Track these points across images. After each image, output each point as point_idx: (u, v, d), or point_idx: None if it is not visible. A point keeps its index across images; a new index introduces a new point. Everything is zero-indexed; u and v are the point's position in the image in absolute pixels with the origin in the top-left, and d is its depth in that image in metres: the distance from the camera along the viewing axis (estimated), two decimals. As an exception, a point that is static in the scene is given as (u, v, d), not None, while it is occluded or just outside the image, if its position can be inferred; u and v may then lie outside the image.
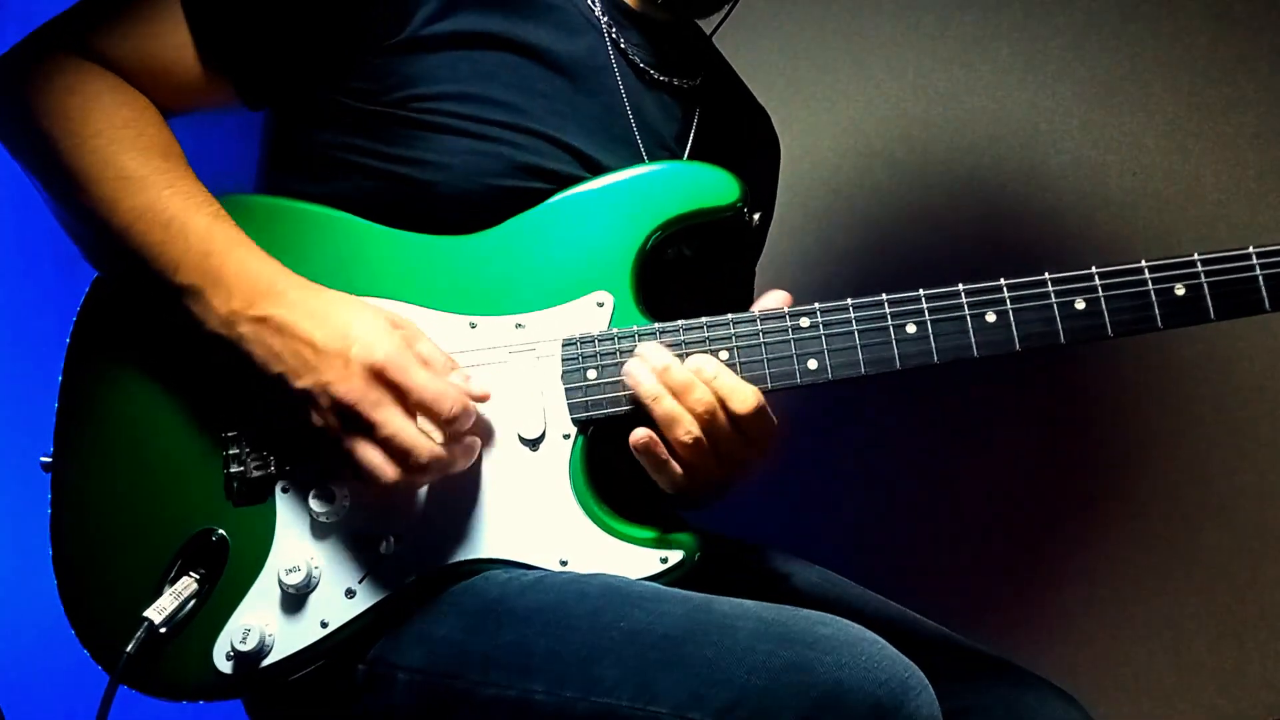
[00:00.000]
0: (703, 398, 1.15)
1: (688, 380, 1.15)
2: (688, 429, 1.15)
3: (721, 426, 1.16)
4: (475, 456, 1.18)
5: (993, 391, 2.16)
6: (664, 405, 1.15)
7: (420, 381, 1.11)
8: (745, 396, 1.16)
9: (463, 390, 1.14)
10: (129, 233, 1.15)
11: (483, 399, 1.17)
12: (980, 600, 2.15)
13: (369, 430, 1.10)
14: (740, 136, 1.55)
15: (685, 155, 1.43)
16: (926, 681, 1.01)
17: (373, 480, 1.11)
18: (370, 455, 1.10)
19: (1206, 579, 2.08)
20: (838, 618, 1.06)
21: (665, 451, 1.17)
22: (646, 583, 1.15)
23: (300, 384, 1.11)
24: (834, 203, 2.21)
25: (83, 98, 1.18)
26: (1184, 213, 2.07)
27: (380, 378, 1.10)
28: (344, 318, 1.13)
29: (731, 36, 1.66)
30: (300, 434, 1.13)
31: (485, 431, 1.20)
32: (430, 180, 1.24)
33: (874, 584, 1.48)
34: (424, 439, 1.11)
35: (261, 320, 1.12)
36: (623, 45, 1.38)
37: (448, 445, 1.13)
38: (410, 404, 1.11)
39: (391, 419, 1.10)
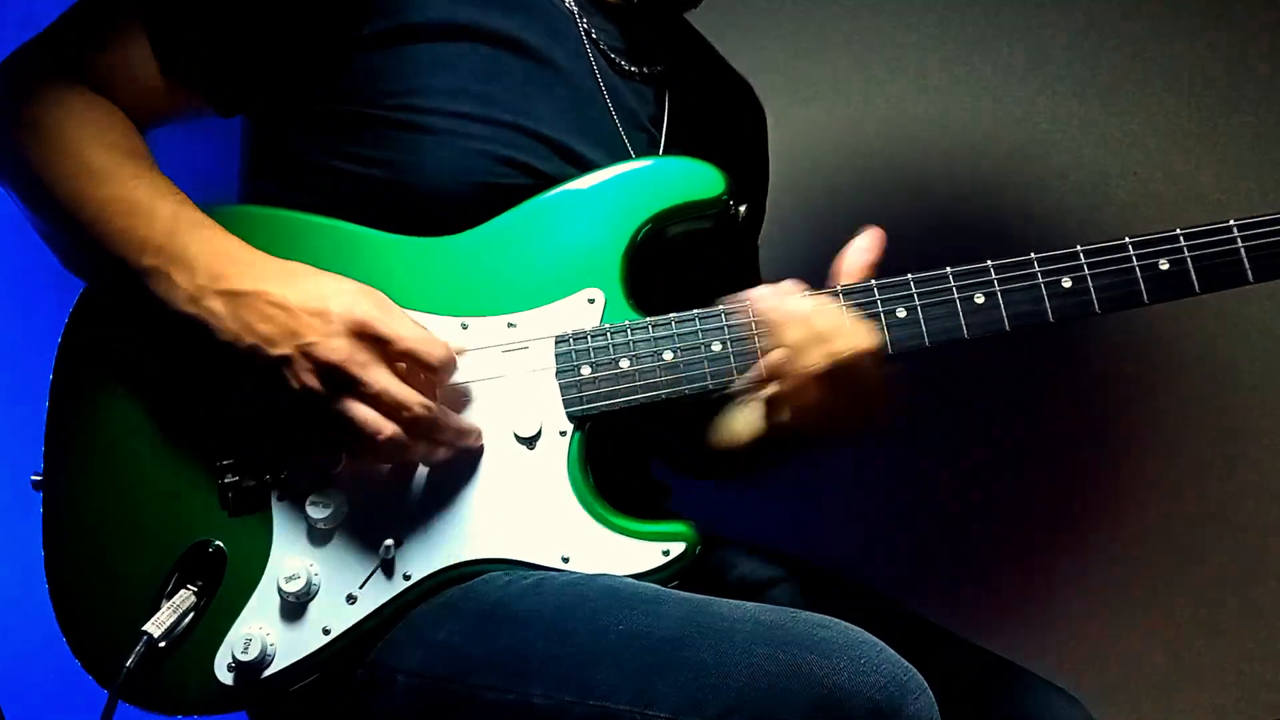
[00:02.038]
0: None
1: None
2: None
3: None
4: (474, 440, 1.18)
5: (994, 392, 2.16)
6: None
7: (404, 330, 1.10)
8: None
9: (447, 345, 1.14)
10: (96, 223, 1.15)
11: (459, 351, 1.17)
12: (981, 600, 2.15)
13: (356, 388, 1.09)
14: (719, 113, 1.55)
15: (663, 137, 1.43)
16: (925, 684, 1.01)
17: (369, 438, 1.10)
18: (363, 412, 1.09)
19: (1206, 579, 2.08)
20: (837, 620, 1.05)
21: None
22: (646, 584, 1.14)
23: (278, 350, 1.09)
24: (834, 202, 2.21)
25: (54, 107, 1.19)
26: (1184, 213, 2.07)
27: (363, 333, 1.09)
28: (315, 280, 1.13)
29: (731, 36, 1.66)
30: (285, 409, 1.12)
31: (481, 431, 1.20)
32: (406, 181, 1.24)
33: (876, 584, 1.48)
34: (414, 394, 1.10)
35: (229, 293, 1.11)
36: (594, 35, 1.39)
37: (437, 406, 1.13)
38: (395, 354, 1.10)
39: (379, 375, 1.09)
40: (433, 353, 1.11)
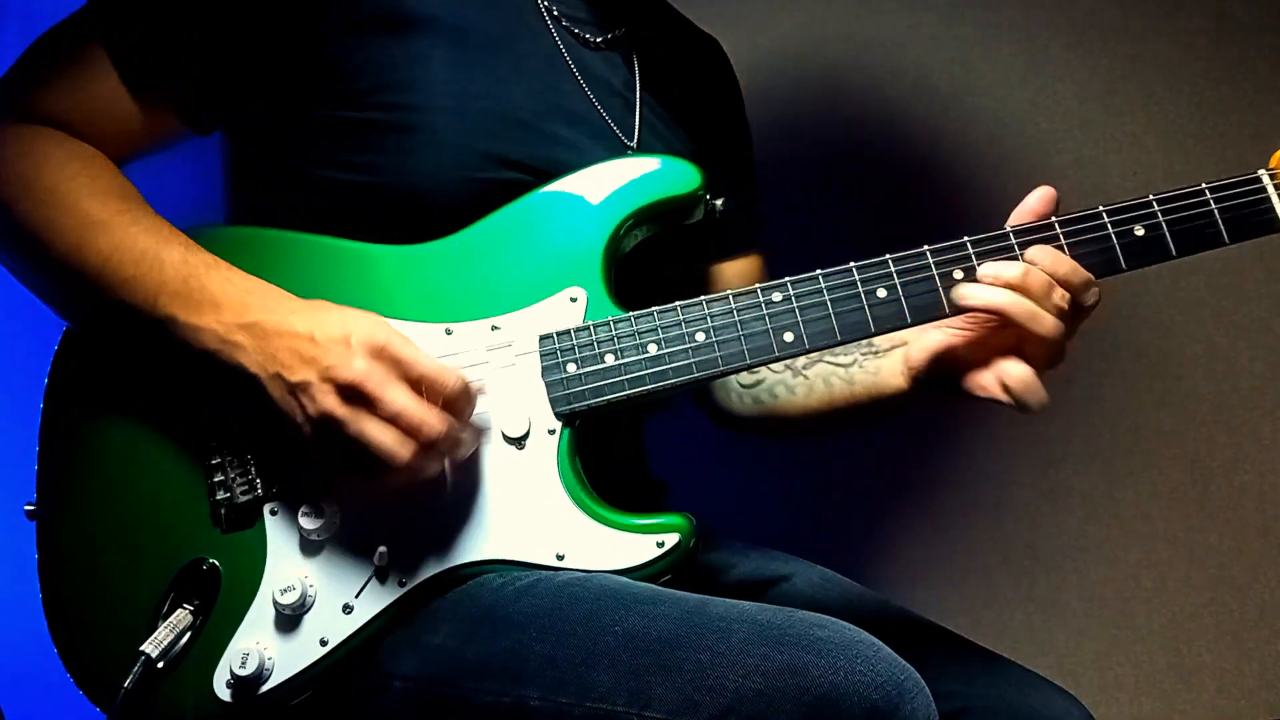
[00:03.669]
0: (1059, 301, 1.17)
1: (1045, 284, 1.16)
2: (1053, 320, 1.16)
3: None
4: (479, 442, 1.18)
5: (993, 391, 2.16)
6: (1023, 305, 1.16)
7: (423, 357, 1.11)
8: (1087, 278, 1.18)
9: (464, 376, 1.13)
10: (101, 275, 1.15)
11: (478, 392, 1.16)
12: (980, 599, 2.15)
13: (374, 408, 1.08)
14: (689, 68, 1.56)
15: (637, 100, 1.43)
16: (923, 684, 1.01)
17: (386, 461, 1.09)
18: (381, 435, 1.08)
19: (1206, 579, 2.08)
20: (835, 619, 1.05)
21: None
22: (643, 585, 1.14)
23: (299, 376, 1.10)
24: (834, 203, 2.21)
25: (33, 159, 1.18)
26: (1184, 213, 2.07)
27: (383, 355, 1.10)
28: (338, 313, 1.13)
29: (731, 36, 1.67)
30: (299, 435, 1.12)
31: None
32: (390, 183, 1.24)
33: (876, 584, 1.49)
34: (431, 413, 1.10)
35: (255, 327, 1.12)
36: (555, 11, 1.39)
37: (452, 426, 1.12)
38: (412, 376, 1.10)
39: (398, 394, 1.09)
40: (448, 379, 1.11)
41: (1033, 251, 1.18)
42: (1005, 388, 1.20)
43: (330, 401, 1.09)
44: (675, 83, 1.50)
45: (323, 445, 1.12)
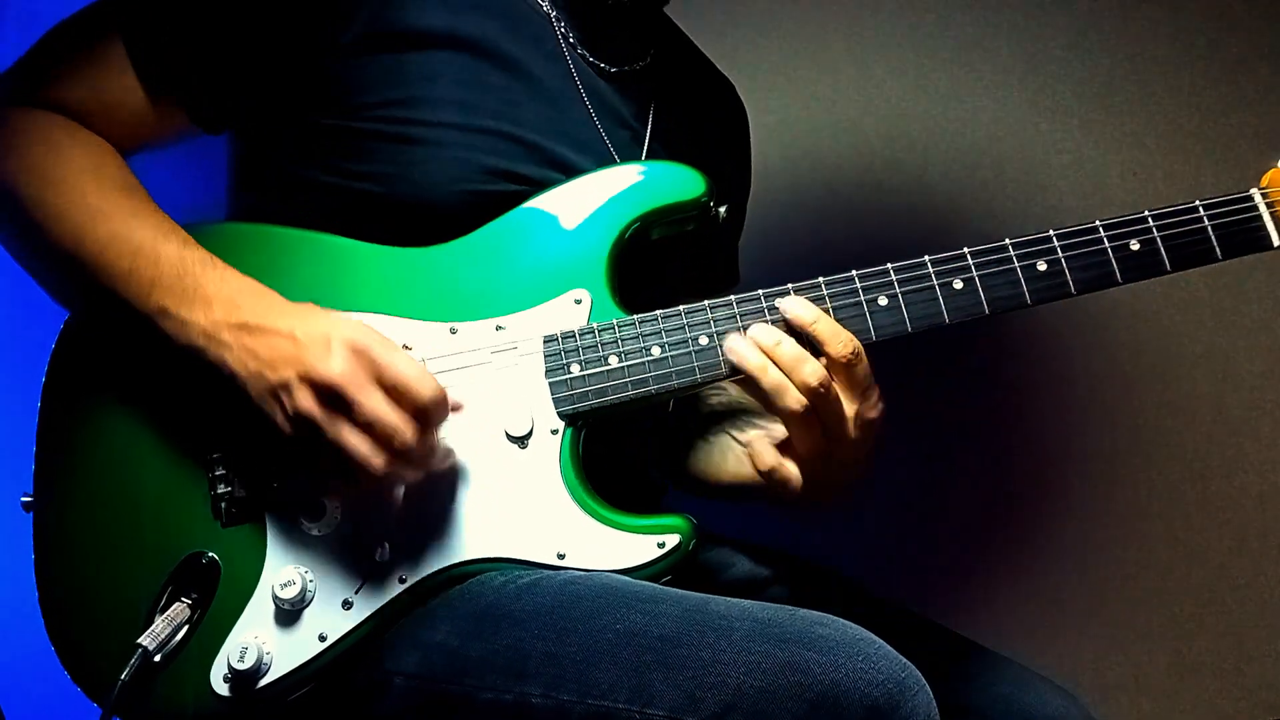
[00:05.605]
0: (815, 370, 1.17)
1: (798, 355, 1.18)
2: (796, 396, 1.17)
3: (832, 397, 1.18)
4: (453, 457, 1.18)
5: (993, 391, 2.16)
6: (771, 375, 1.18)
7: (401, 362, 1.10)
8: (844, 340, 1.18)
9: (440, 386, 1.13)
10: (98, 263, 1.16)
11: (454, 408, 1.17)
12: (980, 599, 2.15)
13: (350, 412, 1.08)
14: (703, 108, 1.56)
15: (647, 133, 1.44)
16: (924, 682, 1.02)
17: (360, 470, 1.09)
18: (356, 442, 1.08)
19: (1206, 579, 2.08)
20: (835, 617, 1.06)
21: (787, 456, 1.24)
22: (643, 583, 1.14)
23: (279, 375, 1.10)
24: (833, 202, 2.21)
25: (43, 146, 1.20)
26: (1184, 213, 2.07)
27: (362, 357, 1.09)
28: (324, 316, 1.14)
29: (731, 36, 1.67)
30: (280, 434, 1.12)
31: (473, 432, 1.20)
32: (394, 194, 1.25)
33: (876, 583, 1.49)
34: (405, 423, 1.09)
35: (243, 325, 1.12)
36: (571, 39, 1.39)
37: (423, 438, 1.12)
38: (387, 381, 1.10)
39: (374, 400, 1.08)
40: (424, 387, 1.10)
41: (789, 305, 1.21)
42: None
43: (308, 402, 1.09)
44: (688, 120, 1.50)
45: (301, 445, 1.12)
